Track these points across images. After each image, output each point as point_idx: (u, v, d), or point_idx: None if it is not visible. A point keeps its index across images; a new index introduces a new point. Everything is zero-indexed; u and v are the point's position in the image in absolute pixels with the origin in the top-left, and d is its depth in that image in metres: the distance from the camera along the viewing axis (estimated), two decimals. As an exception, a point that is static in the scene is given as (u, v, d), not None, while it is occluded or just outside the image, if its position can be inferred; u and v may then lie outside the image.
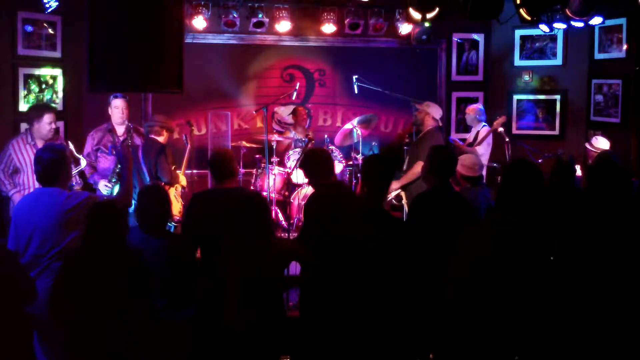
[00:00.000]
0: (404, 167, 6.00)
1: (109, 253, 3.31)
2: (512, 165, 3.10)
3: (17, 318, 3.37)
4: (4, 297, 3.25)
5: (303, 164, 4.40)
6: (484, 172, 6.50)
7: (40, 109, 5.52)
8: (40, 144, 5.29)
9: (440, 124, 6.25)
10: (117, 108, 5.76)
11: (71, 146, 5.30)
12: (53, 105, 6.81)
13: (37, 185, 5.17)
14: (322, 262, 3.28)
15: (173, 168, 5.99)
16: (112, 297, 3.24)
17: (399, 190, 5.96)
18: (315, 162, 4.29)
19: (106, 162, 5.70)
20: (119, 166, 5.52)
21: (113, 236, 3.34)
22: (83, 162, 5.49)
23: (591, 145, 6.68)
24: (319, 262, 3.34)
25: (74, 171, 5.14)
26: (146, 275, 3.37)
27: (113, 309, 3.24)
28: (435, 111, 6.06)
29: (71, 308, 3.29)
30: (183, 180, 6.27)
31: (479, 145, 6.97)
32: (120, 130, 5.78)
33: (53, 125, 5.37)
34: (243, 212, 3.61)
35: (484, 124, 7.32)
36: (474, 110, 7.45)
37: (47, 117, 5.33)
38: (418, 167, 5.64)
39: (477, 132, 7.26)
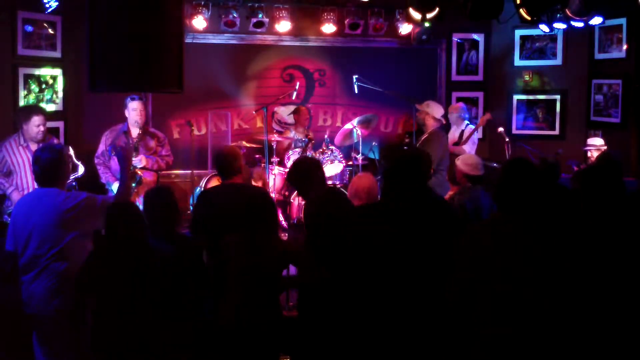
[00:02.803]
0: None
1: (130, 252, 3.31)
2: (510, 164, 3.09)
3: None
4: None
5: (291, 176, 4.27)
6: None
7: (28, 110, 5.47)
8: (32, 146, 5.28)
9: (444, 122, 6.22)
10: (135, 110, 5.71)
11: (71, 151, 5.26)
12: (53, 105, 6.82)
13: (31, 186, 5.21)
14: (330, 264, 3.27)
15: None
16: (135, 296, 3.25)
17: None
18: (304, 173, 4.19)
19: (116, 164, 5.67)
20: (132, 167, 5.50)
21: (133, 235, 3.35)
22: (81, 169, 5.40)
23: (588, 144, 6.81)
24: (322, 267, 3.33)
25: (71, 177, 5.08)
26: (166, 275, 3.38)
27: (137, 308, 3.25)
28: (436, 110, 6.02)
29: (95, 306, 3.31)
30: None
31: (465, 144, 6.98)
32: (134, 132, 5.77)
33: (42, 128, 5.33)
34: (248, 209, 3.61)
35: (467, 122, 7.35)
36: (457, 109, 7.48)
37: (36, 119, 5.30)
38: None
39: (462, 132, 7.27)
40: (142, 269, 3.30)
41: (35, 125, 5.29)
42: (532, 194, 2.91)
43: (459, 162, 4.96)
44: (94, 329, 3.36)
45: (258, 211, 3.85)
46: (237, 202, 4.13)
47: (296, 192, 6.90)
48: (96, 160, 5.81)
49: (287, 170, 7.12)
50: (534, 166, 3.03)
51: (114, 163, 5.68)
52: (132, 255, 3.32)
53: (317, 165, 4.34)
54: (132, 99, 5.73)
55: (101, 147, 5.80)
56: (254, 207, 3.99)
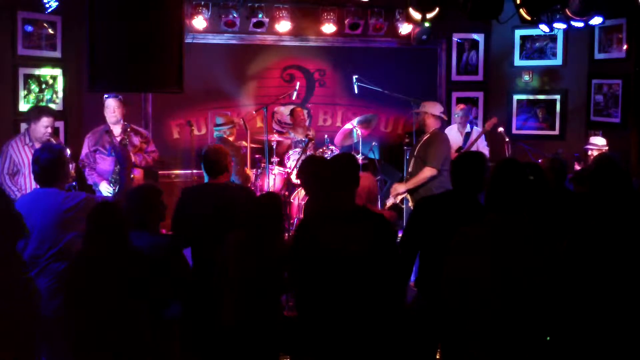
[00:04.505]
0: (410, 169, 5.94)
1: (112, 255, 3.28)
2: (499, 165, 3.07)
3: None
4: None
5: (300, 175, 4.28)
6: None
7: (39, 110, 5.53)
8: (37, 145, 5.29)
9: (445, 118, 6.17)
10: (108, 108, 5.77)
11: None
12: (53, 105, 6.82)
13: (35, 186, 5.21)
14: (305, 266, 3.27)
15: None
16: (117, 300, 3.22)
17: (405, 194, 5.91)
18: (312, 173, 4.18)
19: (105, 163, 5.69)
20: (118, 167, 5.52)
21: (115, 237, 3.32)
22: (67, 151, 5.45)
23: (590, 143, 6.78)
24: (298, 267, 3.34)
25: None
26: (147, 277, 3.35)
27: (118, 311, 3.22)
28: (434, 108, 5.93)
29: (78, 310, 3.27)
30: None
31: (469, 149, 6.96)
32: (116, 130, 5.77)
33: (49, 129, 5.36)
34: (259, 209, 3.60)
35: (468, 124, 7.36)
36: (463, 109, 7.46)
37: (45, 120, 5.34)
38: (427, 172, 5.59)
39: (467, 134, 7.27)
40: (122, 269, 3.26)
41: (43, 126, 5.33)
42: (522, 195, 2.91)
43: None
44: (76, 334, 3.31)
45: (266, 213, 3.83)
46: (216, 202, 4.15)
47: (297, 191, 6.94)
48: (80, 164, 5.80)
49: (287, 170, 7.15)
50: (522, 167, 3.01)
51: (103, 163, 5.67)
52: (112, 256, 3.28)
53: (325, 165, 4.27)
54: (107, 97, 5.75)
55: (84, 150, 5.80)
56: (233, 208, 4.01)
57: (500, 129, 7.14)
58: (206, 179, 6.34)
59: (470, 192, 3.61)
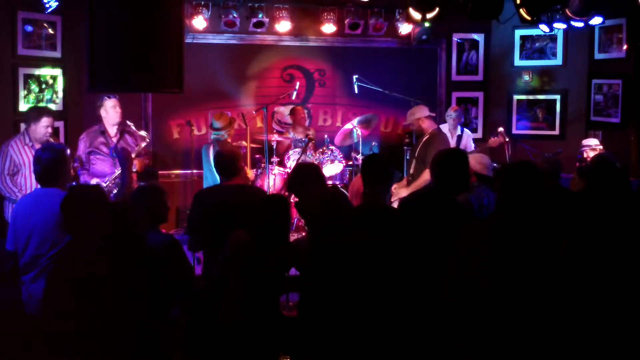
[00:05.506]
0: (411, 171, 5.93)
1: (128, 251, 3.28)
2: (514, 166, 3.08)
3: None
4: None
5: (291, 184, 4.19)
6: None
7: (39, 111, 5.52)
8: (37, 146, 5.28)
9: (434, 114, 6.16)
10: (114, 108, 5.71)
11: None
12: (53, 105, 6.82)
13: (34, 185, 5.21)
14: (318, 268, 3.28)
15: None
16: (117, 299, 3.22)
17: None
18: (303, 178, 4.14)
19: (102, 164, 5.65)
20: (119, 170, 5.50)
21: (130, 234, 3.32)
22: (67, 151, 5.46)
23: (584, 145, 6.83)
24: (314, 270, 3.34)
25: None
26: (148, 276, 3.34)
27: (118, 311, 3.22)
28: (423, 111, 5.91)
29: (77, 310, 3.27)
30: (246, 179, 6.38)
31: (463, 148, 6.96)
32: (112, 131, 5.75)
33: (49, 130, 5.36)
34: (265, 211, 3.60)
35: (459, 126, 7.37)
36: (456, 110, 7.45)
37: (45, 121, 5.33)
38: (427, 174, 5.58)
39: (459, 137, 7.27)
40: (137, 265, 3.26)
41: (44, 127, 5.33)
42: (533, 197, 2.92)
43: (472, 160, 4.91)
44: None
45: (274, 214, 3.83)
46: (235, 203, 4.13)
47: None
48: (75, 164, 5.78)
49: (287, 170, 7.16)
50: (537, 169, 3.02)
51: (100, 165, 5.64)
52: (130, 252, 3.27)
53: (315, 171, 4.24)
54: (109, 97, 5.72)
55: (79, 151, 5.77)
56: (269, 210, 3.97)
57: (500, 129, 7.15)
58: (205, 177, 6.44)
59: (450, 190, 3.65)
